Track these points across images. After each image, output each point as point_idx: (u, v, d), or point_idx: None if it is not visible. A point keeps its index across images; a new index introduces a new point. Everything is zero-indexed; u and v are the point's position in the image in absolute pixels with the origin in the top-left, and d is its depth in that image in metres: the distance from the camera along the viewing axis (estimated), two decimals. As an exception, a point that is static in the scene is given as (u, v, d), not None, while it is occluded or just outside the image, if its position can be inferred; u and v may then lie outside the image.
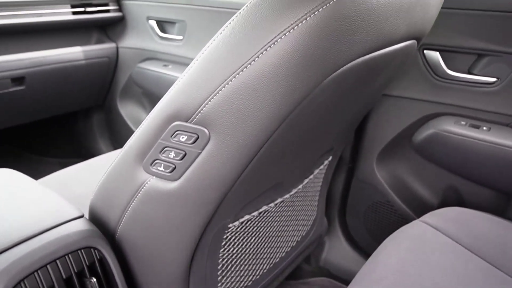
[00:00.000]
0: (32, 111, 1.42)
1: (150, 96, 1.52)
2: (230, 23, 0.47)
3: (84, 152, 1.78)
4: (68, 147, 1.81)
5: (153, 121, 0.53)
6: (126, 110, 1.62)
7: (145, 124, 0.54)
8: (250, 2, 0.46)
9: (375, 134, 1.04)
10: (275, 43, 0.43)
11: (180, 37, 1.37)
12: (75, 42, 1.42)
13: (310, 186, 0.88)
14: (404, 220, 1.06)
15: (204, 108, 0.48)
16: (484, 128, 0.87)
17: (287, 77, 0.44)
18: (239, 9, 1.19)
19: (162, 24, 1.44)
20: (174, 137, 0.51)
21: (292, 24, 0.42)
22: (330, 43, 0.44)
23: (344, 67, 0.48)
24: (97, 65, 1.47)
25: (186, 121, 0.50)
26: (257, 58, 0.44)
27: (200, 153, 0.50)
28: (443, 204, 1.02)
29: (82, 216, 0.61)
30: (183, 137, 0.51)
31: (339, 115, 0.66)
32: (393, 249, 0.69)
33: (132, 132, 1.60)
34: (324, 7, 0.42)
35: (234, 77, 0.45)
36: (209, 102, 0.48)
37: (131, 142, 0.56)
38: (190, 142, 0.50)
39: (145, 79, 1.46)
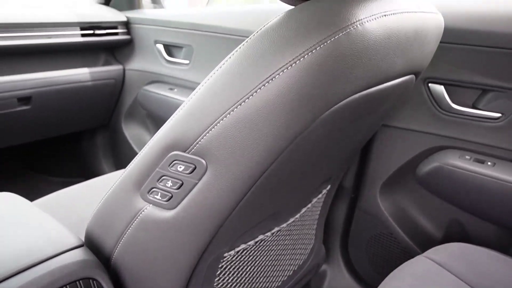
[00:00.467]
0: (37, 131, 1.45)
1: (154, 119, 1.55)
2: (230, 57, 0.48)
3: (87, 172, 1.79)
4: (71, 167, 1.83)
5: (152, 150, 0.54)
6: (131, 131, 1.65)
7: (144, 152, 0.55)
8: (250, 38, 0.48)
9: (379, 164, 1.04)
10: (273, 79, 0.44)
11: (187, 61, 1.40)
12: (83, 63, 1.46)
13: (307, 215, 0.89)
14: (407, 254, 1.05)
15: (202, 140, 0.49)
16: (489, 163, 0.87)
17: (283, 112, 0.46)
18: (245, 36, 1.22)
19: (169, 48, 1.47)
20: (172, 166, 0.52)
21: (289, 61, 0.44)
22: (327, 80, 0.45)
23: (341, 103, 0.49)
24: (103, 87, 1.51)
25: (184, 151, 0.51)
26: (254, 93, 0.45)
27: (197, 183, 0.51)
28: (447, 238, 1.01)
29: (82, 245, 0.61)
30: (180, 167, 0.52)
31: (337, 147, 0.67)
32: (396, 285, 0.69)
33: (135, 153, 1.62)
34: (321, 46, 0.43)
35: (232, 110, 0.47)
36: (207, 134, 0.49)
37: (130, 169, 0.57)
38: (187, 172, 0.51)
39: (150, 101, 1.48)
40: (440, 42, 0.87)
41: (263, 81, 0.45)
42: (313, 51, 0.43)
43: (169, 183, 0.53)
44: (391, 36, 0.50)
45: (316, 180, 0.76)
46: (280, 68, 0.44)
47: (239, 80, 0.47)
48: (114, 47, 1.56)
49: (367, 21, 0.46)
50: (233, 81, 0.47)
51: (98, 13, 1.46)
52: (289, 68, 0.44)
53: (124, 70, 1.57)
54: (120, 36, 1.51)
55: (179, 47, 1.43)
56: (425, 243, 1.04)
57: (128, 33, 1.54)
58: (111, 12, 1.52)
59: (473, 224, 0.96)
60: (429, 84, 0.93)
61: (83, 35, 1.40)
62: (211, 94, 0.49)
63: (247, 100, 0.46)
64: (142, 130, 1.64)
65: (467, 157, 0.90)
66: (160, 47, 1.47)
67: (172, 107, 1.40)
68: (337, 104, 0.49)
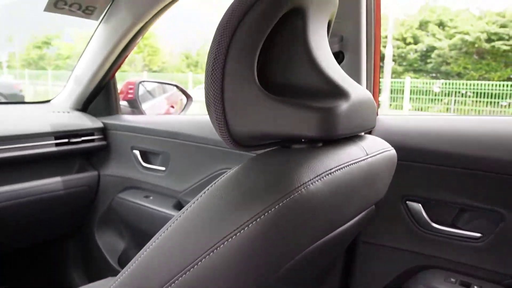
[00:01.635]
0: (2, 244, 1.41)
1: (129, 227, 1.52)
2: (176, 219, 0.50)
3: (56, 283, 1.72)
4: (38, 278, 1.75)
5: None
6: (103, 239, 1.61)
7: None
8: (194, 202, 0.49)
9: (364, 282, 1.02)
10: (217, 248, 0.46)
11: (163, 168, 1.42)
12: (55, 172, 1.46)
13: None
14: None
15: None
16: (475, 286, 0.86)
17: (233, 277, 0.46)
18: (220, 147, 1.24)
19: (146, 154, 1.49)
20: None
21: (234, 230, 0.45)
22: (274, 246, 0.46)
23: (296, 258, 0.50)
24: (76, 194, 1.50)
25: None
26: (200, 263, 0.46)
27: None
28: None
29: None
30: None
31: (304, 275, 0.66)
32: None
33: (107, 263, 1.57)
34: (265, 214, 0.44)
35: (181, 276, 0.48)
36: None
37: None
38: None
39: (125, 209, 1.47)
40: (417, 162, 0.91)
41: (208, 250, 0.46)
42: (258, 220, 0.44)
43: None
44: (339, 192, 0.51)
45: None
46: (225, 237, 0.45)
47: (186, 246, 0.48)
48: (89, 152, 1.58)
49: (312, 184, 0.47)
50: (181, 245, 0.48)
51: (74, 122, 1.50)
52: (233, 237, 0.45)
53: (99, 175, 1.57)
54: (96, 142, 1.54)
55: (156, 153, 1.46)
56: None
57: (104, 138, 1.57)
58: (88, 119, 1.56)
59: None
60: (407, 202, 0.94)
61: (57, 144, 1.42)
62: (158, 256, 0.50)
63: (195, 266, 0.47)
64: (116, 238, 1.60)
65: (452, 279, 0.89)
66: (137, 153, 1.49)
67: (147, 216, 1.39)
68: (289, 262, 0.49)
